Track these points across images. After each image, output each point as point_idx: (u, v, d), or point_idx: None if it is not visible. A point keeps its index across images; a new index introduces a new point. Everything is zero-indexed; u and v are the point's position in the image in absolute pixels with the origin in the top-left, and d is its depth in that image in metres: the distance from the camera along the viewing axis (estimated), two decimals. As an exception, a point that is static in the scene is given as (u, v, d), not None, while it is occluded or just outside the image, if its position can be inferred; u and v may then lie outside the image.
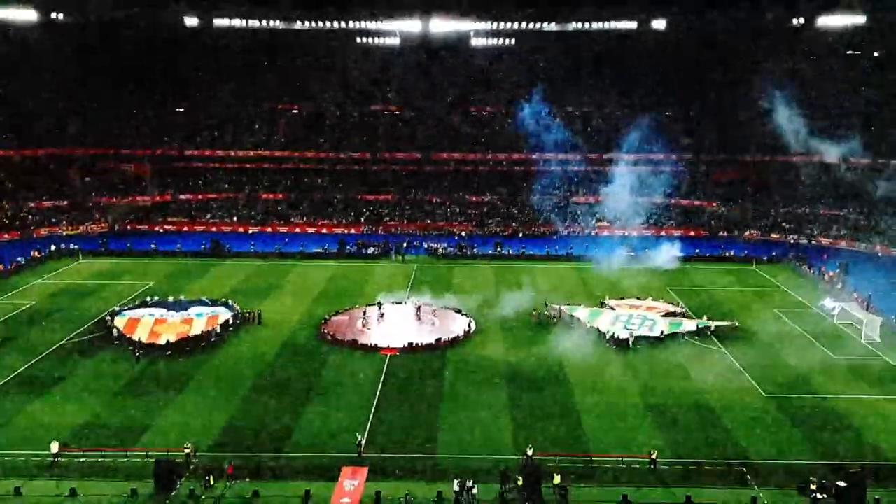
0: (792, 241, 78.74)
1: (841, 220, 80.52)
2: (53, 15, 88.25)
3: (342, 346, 47.24)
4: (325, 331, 49.72)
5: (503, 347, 47.59)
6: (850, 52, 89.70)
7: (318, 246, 75.30)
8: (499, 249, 74.67)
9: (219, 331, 49.00)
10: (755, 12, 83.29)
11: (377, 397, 39.65)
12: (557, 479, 30.88)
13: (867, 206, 79.52)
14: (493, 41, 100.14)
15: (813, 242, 78.02)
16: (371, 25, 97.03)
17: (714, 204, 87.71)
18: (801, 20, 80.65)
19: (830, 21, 79.27)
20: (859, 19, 76.51)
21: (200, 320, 50.36)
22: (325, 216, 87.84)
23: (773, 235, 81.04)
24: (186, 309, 52.70)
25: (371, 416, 37.44)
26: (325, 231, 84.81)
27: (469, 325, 51.00)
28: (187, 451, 32.72)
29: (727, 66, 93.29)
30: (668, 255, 67.29)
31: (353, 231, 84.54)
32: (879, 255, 72.56)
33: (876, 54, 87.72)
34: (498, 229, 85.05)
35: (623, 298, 57.08)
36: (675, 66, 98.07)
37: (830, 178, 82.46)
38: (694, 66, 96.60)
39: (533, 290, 59.38)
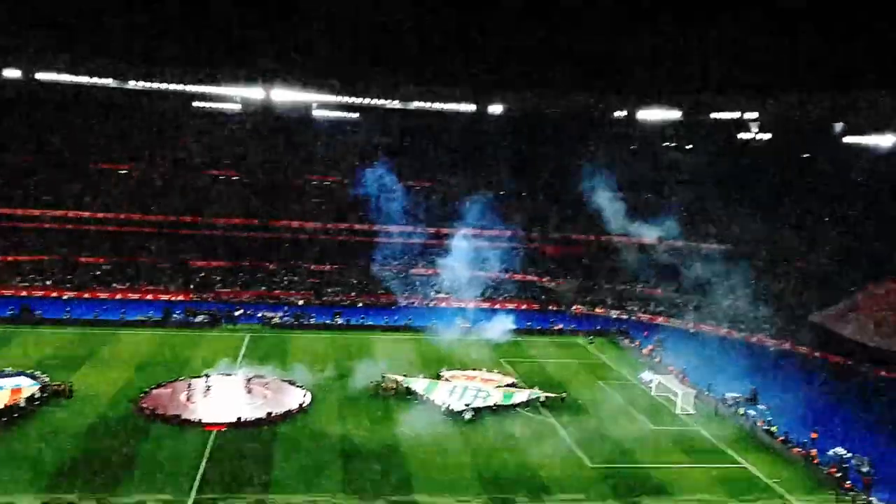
0: (614, 317, 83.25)
1: (658, 297, 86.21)
2: None
3: (163, 422, 44.18)
4: (145, 405, 46.37)
5: (339, 421, 46.32)
6: (665, 143, 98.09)
7: (142, 313, 70.96)
8: (337, 319, 73.61)
9: (22, 405, 44.46)
10: (584, 103, 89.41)
11: (200, 476, 37.14)
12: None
13: (682, 285, 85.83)
14: (335, 113, 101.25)
15: (633, 318, 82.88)
16: (211, 90, 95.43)
17: (545, 279, 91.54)
18: (625, 112, 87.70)
19: (650, 115, 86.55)
20: (675, 114, 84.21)
21: (2, 393, 45.55)
22: (151, 282, 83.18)
23: (598, 310, 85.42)
24: (-15, 381, 47.56)
25: (193, 496, 34.94)
26: (150, 298, 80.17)
27: (304, 398, 49.40)
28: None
29: (559, 150, 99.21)
30: (502, 327, 69.17)
31: (181, 298, 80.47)
32: (692, 330, 78.08)
33: (688, 147, 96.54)
34: (337, 299, 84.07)
35: (459, 370, 57.66)
36: (512, 147, 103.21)
37: (649, 258, 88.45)
38: (529, 148, 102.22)
39: (371, 362, 58.62)
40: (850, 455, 43.80)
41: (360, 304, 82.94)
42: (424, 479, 38.59)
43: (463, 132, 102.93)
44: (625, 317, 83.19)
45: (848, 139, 78.57)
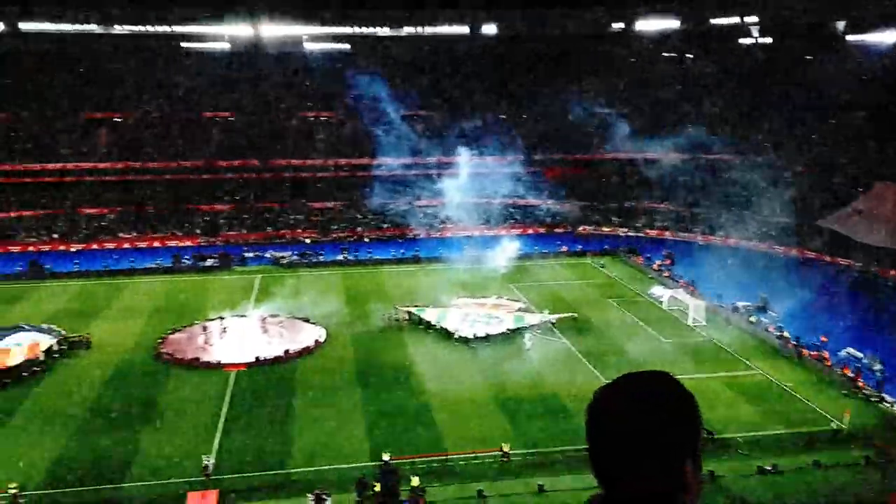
0: (622, 234, 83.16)
1: (665, 211, 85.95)
2: None
3: (183, 366, 44.80)
4: (163, 350, 46.95)
5: (354, 354, 46.93)
6: (665, 53, 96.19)
7: (151, 261, 71.21)
8: (345, 255, 73.77)
9: (43, 358, 45.03)
10: (578, 18, 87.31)
11: (224, 416, 37.86)
12: (415, 480, 30.71)
13: (687, 198, 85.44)
14: (327, 45, 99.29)
15: (641, 234, 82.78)
16: (198, 30, 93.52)
17: (549, 202, 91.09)
18: (622, 25, 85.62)
19: (648, 25, 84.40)
20: (673, 23, 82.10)
21: (20, 349, 45.90)
22: (157, 229, 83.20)
23: (605, 229, 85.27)
24: (3, 337, 47.90)
25: (218, 436, 35.68)
26: (157, 245, 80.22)
27: (319, 334, 49.90)
28: (13, 491, 29.71)
29: (556, 68, 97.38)
30: (508, 252, 69.14)
31: (188, 243, 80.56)
32: (700, 242, 78.09)
33: (690, 56, 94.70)
34: (343, 235, 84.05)
35: (469, 297, 57.93)
36: (508, 69, 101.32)
37: (654, 172, 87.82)
38: (525, 68, 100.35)
39: (381, 294, 59.07)
40: (861, 355, 44.42)
41: (367, 239, 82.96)
42: (442, 401, 39.30)
43: (457, 57, 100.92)
44: (632, 234, 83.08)
45: (850, 38, 76.68)
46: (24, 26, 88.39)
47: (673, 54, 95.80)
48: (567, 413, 38.12)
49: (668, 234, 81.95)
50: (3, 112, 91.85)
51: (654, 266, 67.86)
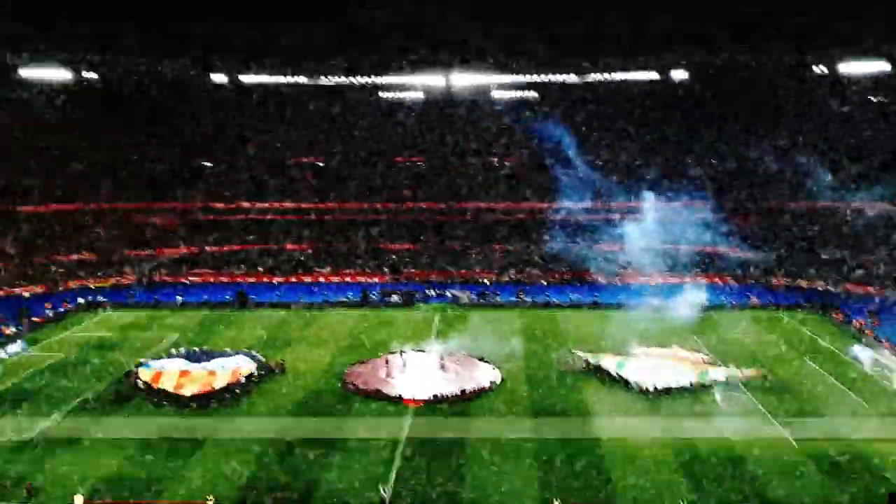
0: (820, 288, 77.35)
1: (869, 266, 79.12)
2: (85, 73, 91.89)
3: (366, 397, 47.03)
4: (349, 380, 49.57)
5: (529, 397, 47.09)
6: (874, 98, 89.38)
7: (342, 295, 75.61)
8: (522, 297, 74.35)
9: (243, 381, 49.05)
10: (776, 62, 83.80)
11: (401, 449, 39.27)
12: (585, 533, 30.24)
13: (895, 252, 78.27)
14: (514, 94, 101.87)
15: (841, 289, 76.60)
16: (395, 80, 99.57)
17: (739, 251, 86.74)
18: (824, 68, 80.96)
19: (853, 68, 79.32)
20: (884, 66, 76.44)
21: (224, 372, 50.34)
22: (349, 266, 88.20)
23: (801, 282, 79.70)
24: (210, 360, 52.72)
25: (395, 468, 37.05)
26: (348, 280, 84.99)
27: (494, 375, 50.55)
28: (210, 503, 32.56)
29: (750, 113, 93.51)
30: (694, 302, 66.37)
31: (376, 280, 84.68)
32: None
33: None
34: (521, 277, 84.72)
35: (650, 346, 56.14)
36: (698, 113, 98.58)
37: (858, 222, 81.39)
38: (716, 113, 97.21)
39: (558, 339, 58.88)
40: None
41: (545, 282, 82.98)
42: (617, 452, 38.43)
43: (645, 101, 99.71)
44: (831, 288, 77.01)
45: None
46: (244, 78, 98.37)
47: (881, 98, 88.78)
48: (754, 477, 35.95)
49: (871, 290, 75.17)
50: (220, 156, 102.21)
51: (856, 324, 62.59)
